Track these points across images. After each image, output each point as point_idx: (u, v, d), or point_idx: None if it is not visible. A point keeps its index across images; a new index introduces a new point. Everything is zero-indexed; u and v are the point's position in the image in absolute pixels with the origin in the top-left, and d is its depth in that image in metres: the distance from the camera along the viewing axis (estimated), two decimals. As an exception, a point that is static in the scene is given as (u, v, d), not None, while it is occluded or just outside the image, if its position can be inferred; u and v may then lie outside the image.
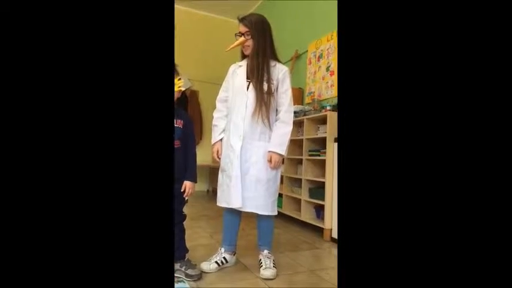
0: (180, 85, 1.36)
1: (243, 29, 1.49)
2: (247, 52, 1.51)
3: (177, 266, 1.40)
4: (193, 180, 1.44)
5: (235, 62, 1.62)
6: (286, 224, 2.61)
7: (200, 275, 1.40)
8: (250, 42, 1.49)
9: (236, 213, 1.54)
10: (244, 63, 1.56)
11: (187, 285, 1.32)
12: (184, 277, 1.37)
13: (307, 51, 3.27)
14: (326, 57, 2.95)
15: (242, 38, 1.49)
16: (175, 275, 1.39)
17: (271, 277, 1.42)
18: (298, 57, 3.44)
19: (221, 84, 1.65)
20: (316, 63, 3.10)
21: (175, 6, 3.96)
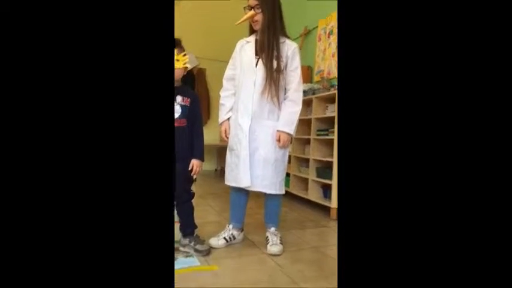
0: (185, 61, 1.34)
1: (252, 2, 1.44)
2: (257, 27, 1.47)
3: (186, 241, 1.44)
4: (201, 158, 1.45)
5: (243, 38, 1.58)
6: (293, 203, 2.64)
7: (209, 250, 1.44)
8: (259, 17, 1.44)
9: (244, 191, 1.56)
10: (252, 38, 1.52)
11: (196, 260, 1.36)
12: (193, 252, 1.41)
13: (317, 27, 3.16)
14: (336, 34, 2.85)
15: (252, 12, 1.44)
16: (184, 250, 1.43)
17: (278, 253, 1.45)
18: (307, 33, 3.33)
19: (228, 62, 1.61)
20: (326, 39, 3.00)
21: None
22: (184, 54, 1.34)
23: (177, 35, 1.50)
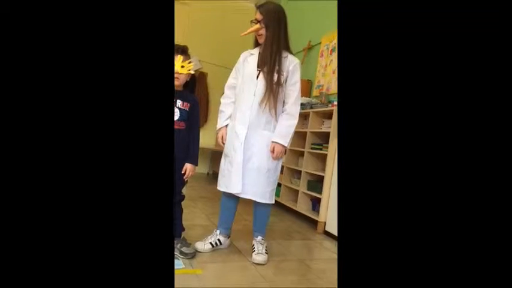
0: (189, 68, 1.37)
1: (259, 16, 1.48)
2: (261, 40, 1.51)
3: (172, 242, 1.45)
4: (194, 163, 1.47)
5: (247, 49, 1.62)
6: (282, 213, 2.66)
7: (194, 254, 1.45)
8: (263, 31, 1.48)
9: (234, 198, 1.58)
10: (256, 51, 1.56)
11: (181, 262, 1.37)
12: (178, 254, 1.42)
13: (320, 43, 3.23)
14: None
15: (257, 25, 1.48)
16: (170, 251, 1.44)
17: (263, 262, 1.47)
18: (310, 48, 3.40)
19: (231, 69, 1.65)
20: (329, 56, 3.07)
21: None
22: (190, 62, 1.37)
23: (184, 40, 1.54)
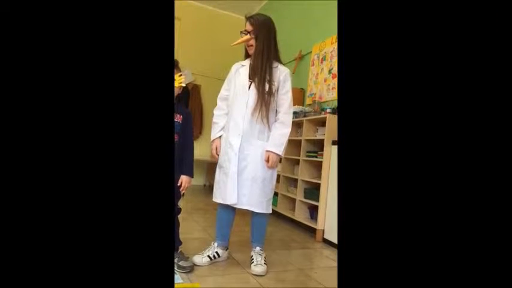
0: (180, 81, 1.38)
1: (248, 27, 1.51)
2: (251, 51, 1.53)
3: (169, 257, 1.43)
4: (190, 174, 1.46)
5: (238, 60, 1.64)
6: (279, 222, 2.64)
7: (192, 267, 1.42)
8: (253, 42, 1.51)
9: (231, 209, 1.57)
10: (247, 63, 1.58)
11: (179, 277, 1.35)
12: (176, 268, 1.40)
13: (311, 52, 3.28)
14: (329, 59, 2.97)
15: (247, 36, 1.51)
16: (167, 266, 1.42)
17: (262, 274, 1.45)
18: (301, 57, 3.45)
19: (223, 81, 1.67)
20: (319, 65, 3.11)
21: (182, -1, 3.95)
22: (180, 75, 1.38)
23: (176, 54, 1.56)
